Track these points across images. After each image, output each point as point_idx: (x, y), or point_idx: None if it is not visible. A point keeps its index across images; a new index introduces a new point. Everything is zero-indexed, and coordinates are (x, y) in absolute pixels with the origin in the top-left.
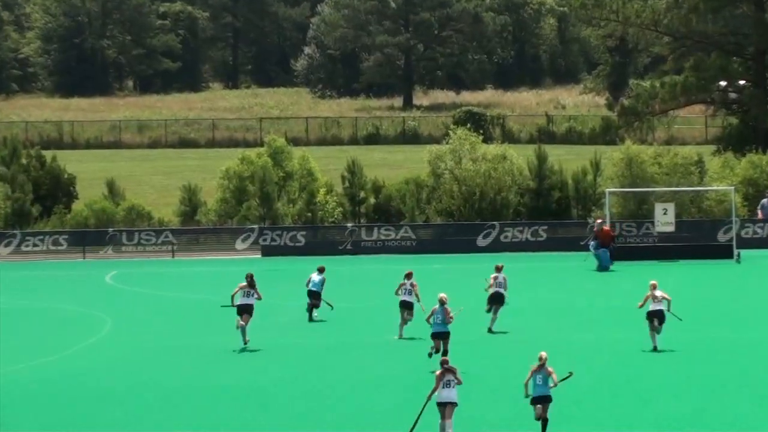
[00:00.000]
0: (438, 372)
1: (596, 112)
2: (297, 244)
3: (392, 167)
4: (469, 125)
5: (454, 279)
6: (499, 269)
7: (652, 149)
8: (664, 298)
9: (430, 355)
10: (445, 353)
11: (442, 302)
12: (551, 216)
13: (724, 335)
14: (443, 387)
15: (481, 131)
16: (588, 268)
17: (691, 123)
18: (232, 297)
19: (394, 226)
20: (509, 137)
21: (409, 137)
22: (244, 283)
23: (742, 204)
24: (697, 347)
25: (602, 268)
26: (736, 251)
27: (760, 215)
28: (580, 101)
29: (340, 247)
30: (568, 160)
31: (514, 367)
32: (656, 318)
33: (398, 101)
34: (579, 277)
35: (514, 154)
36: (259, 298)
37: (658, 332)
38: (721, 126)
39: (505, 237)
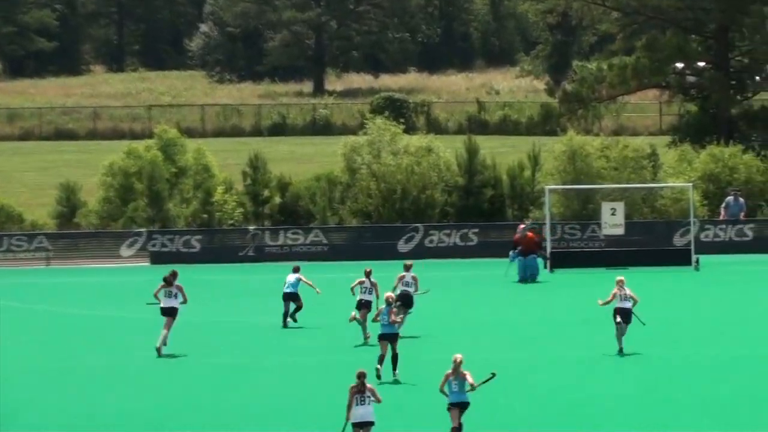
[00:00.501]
0: (352, 387)
1: (535, 99)
2: (191, 250)
3: (301, 161)
4: (388, 113)
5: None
6: (407, 268)
7: (598, 140)
8: (631, 297)
9: (378, 371)
10: (394, 357)
11: (388, 302)
12: (483, 217)
13: (680, 353)
14: (358, 404)
15: (403, 120)
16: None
17: (644, 110)
18: (155, 295)
19: (303, 229)
20: (435, 127)
21: (321, 127)
22: (163, 283)
23: (702, 203)
24: (649, 367)
25: (525, 279)
26: (694, 257)
27: (722, 215)
28: (516, 86)
29: (241, 254)
30: (502, 153)
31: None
32: (621, 316)
33: (308, 86)
34: (513, 287)
35: (441, 146)
36: (185, 302)
37: (623, 333)
38: (678, 114)
39: (430, 241)
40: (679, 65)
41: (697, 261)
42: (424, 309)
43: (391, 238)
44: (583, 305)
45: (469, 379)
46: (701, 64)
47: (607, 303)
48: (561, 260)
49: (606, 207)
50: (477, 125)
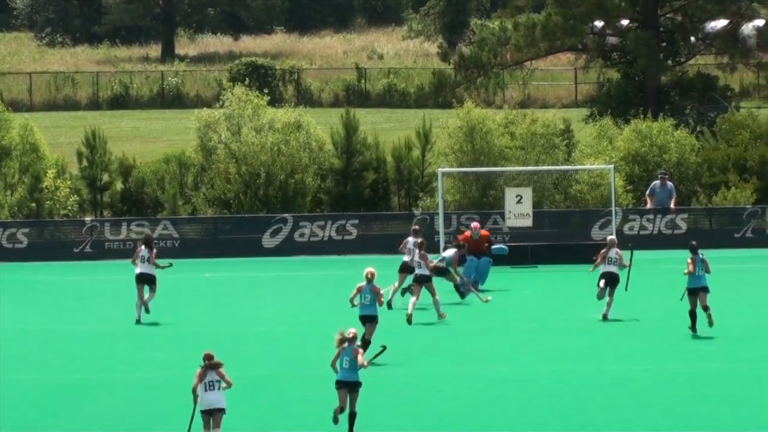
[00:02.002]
0: (200, 369)
1: (425, 64)
2: (17, 246)
3: (147, 140)
4: (250, 82)
5: (234, 292)
6: (416, 233)
7: (501, 114)
8: (620, 261)
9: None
10: (366, 343)
11: (369, 279)
12: (363, 206)
13: (588, 368)
14: (206, 390)
15: (268, 90)
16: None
17: (556, 78)
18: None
19: (150, 220)
20: (306, 98)
21: (170, 99)
22: (141, 247)
23: (625, 188)
24: (555, 384)
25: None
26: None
27: (649, 204)
28: (403, 49)
29: (76, 250)
30: (387, 130)
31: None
32: (607, 280)
33: (155, 50)
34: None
35: (313, 121)
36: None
37: (607, 297)
38: (597, 82)
39: (301, 235)
40: (599, 24)
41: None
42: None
43: (254, 231)
44: (483, 312)
45: (361, 358)
46: (625, 22)
47: (596, 267)
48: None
49: (510, 193)
50: (356, 96)
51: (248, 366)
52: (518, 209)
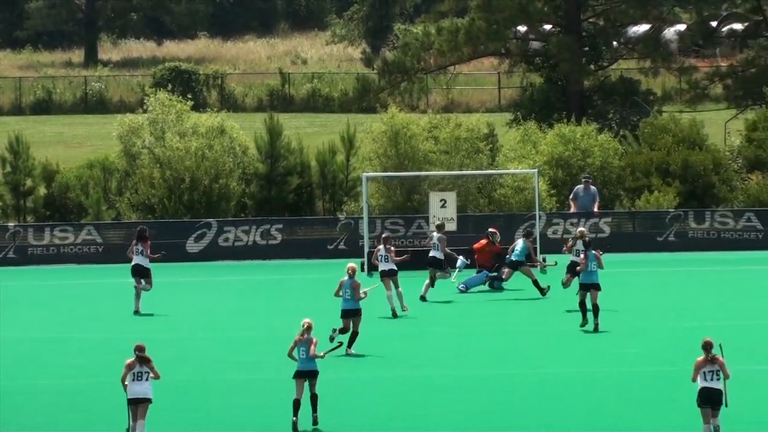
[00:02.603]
0: (130, 360)
1: (349, 69)
2: None
3: (70, 145)
4: (174, 87)
5: (159, 297)
6: (439, 228)
7: (425, 119)
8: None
9: (331, 338)
10: (354, 335)
11: (350, 274)
12: (288, 210)
13: (510, 372)
14: (134, 380)
15: (191, 95)
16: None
17: (479, 83)
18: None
19: (73, 225)
20: (230, 103)
21: (94, 104)
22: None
23: (549, 192)
24: (478, 387)
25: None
26: (540, 256)
27: (573, 208)
28: (327, 54)
29: None
30: (311, 135)
31: None
32: (573, 272)
33: (78, 55)
34: (321, 296)
35: (237, 126)
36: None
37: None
38: (520, 86)
39: (225, 240)
40: (522, 28)
41: (544, 261)
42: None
43: (178, 236)
44: (404, 317)
45: (313, 348)
46: (548, 27)
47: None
48: None
49: (435, 198)
50: (280, 101)
51: (168, 372)
52: (442, 214)
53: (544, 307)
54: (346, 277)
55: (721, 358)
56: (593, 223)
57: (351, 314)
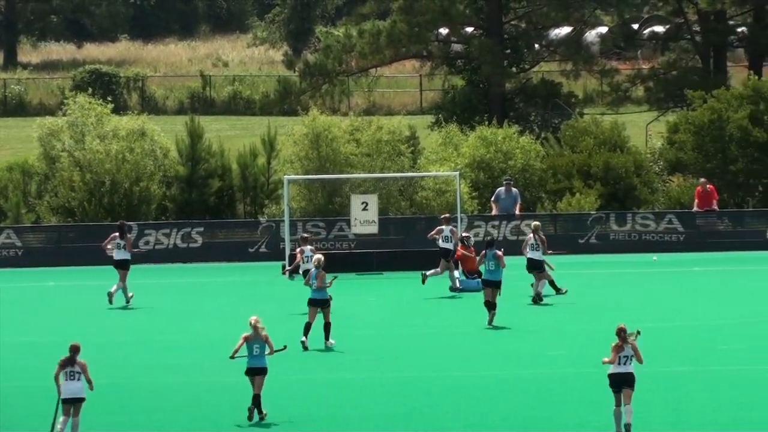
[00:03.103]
0: (63, 358)
1: (270, 72)
2: None
3: None
4: (94, 90)
5: (78, 301)
6: (447, 220)
7: (347, 122)
8: (542, 242)
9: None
10: (326, 325)
11: (316, 266)
12: (209, 213)
13: (430, 374)
14: (67, 379)
15: (112, 98)
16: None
17: (401, 85)
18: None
19: None
20: (151, 106)
21: (13, 107)
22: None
23: (471, 195)
24: (399, 390)
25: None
26: (457, 272)
27: (494, 210)
28: (248, 57)
29: None
30: (232, 137)
31: None
32: (532, 266)
33: None
34: (242, 298)
35: (158, 129)
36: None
37: (539, 279)
38: (442, 89)
39: (146, 242)
40: (443, 31)
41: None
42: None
43: (99, 239)
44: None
45: (271, 344)
46: (469, 29)
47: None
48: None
49: (356, 200)
50: (201, 104)
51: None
52: (364, 216)
53: (467, 308)
54: (312, 268)
55: (635, 343)
56: (515, 226)
57: (318, 304)
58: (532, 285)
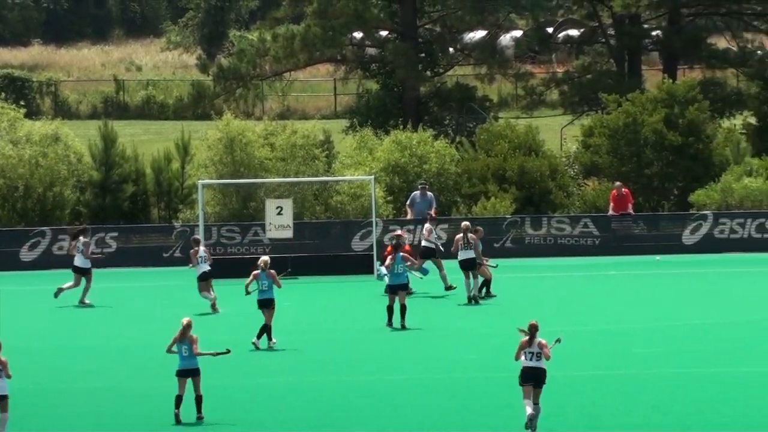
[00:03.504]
0: None
1: (184, 76)
2: None
3: None
4: (6, 95)
5: None
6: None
7: (261, 126)
8: (473, 243)
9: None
10: (267, 328)
11: (263, 267)
12: (123, 218)
13: (349, 378)
14: None
15: (24, 103)
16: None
17: (315, 89)
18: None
19: None
20: (64, 110)
21: None
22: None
23: (386, 199)
24: (318, 394)
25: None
26: (377, 263)
27: (410, 214)
28: (162, 61)
29: None
30: (146, 142)
31: None
32: (464, 266)
33: None
34: (156, 303)
35: (71, 133)
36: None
37: (474, 278)
38: (356, 93)
39: (60, 248)
40: (358, 35)
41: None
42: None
43: (11, 245)
44: (241, 323)
45: (196, 347)
46: (384, 33)
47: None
48: (217, 269)
49: (271, 205)
50: (115, 108)
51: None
52: (279, 221)
53: (382, 311)
54: (259, 270)
55: (543, 341)
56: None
57: (267, 305)
58: (466, 286)
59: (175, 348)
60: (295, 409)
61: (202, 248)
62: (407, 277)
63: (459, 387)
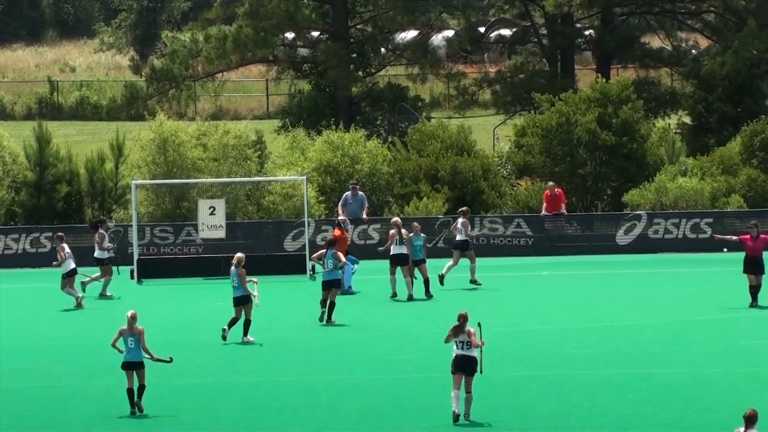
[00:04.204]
0: None
1: (117, 77)
2: None
3: None
4: None
5: None
6: (464, 213)
7: (193, 126)
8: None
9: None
10: (247, 323)
11: (235, 264)
12: (58, 218)
13: (280, 379)
14: None
15: None
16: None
17: (247, 90)
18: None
19: None
20: None
21: None
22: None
23: (318, 199)
24: (245, 395)
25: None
26: (309, 263)
27: (340, 214)
28: (95, 62)
29: None
30: (80, 143)
31: None
32: (393, 261)
33: None
34: (90, 303)
35: (6, 134)
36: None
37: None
38: (288, 93)
39: None
40: (289, 35)
41: (313, 268)
42: None
43: None
44: (175, 322)
45: (143, 341)
46: (315, 33)
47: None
48: (150, 269)
49: (203, 205)
50: (49, 109)
51: None
52: (211, 221)
53: (316, 310)
54: (232, 267)
55: (472, 329)
56: (362, 230)
57: (241, 302)
58: (406, 283)
59: (119, 343)
60: (229, 409)
61: (66, 245)
62: (340, 273)
63: (393, 387)
